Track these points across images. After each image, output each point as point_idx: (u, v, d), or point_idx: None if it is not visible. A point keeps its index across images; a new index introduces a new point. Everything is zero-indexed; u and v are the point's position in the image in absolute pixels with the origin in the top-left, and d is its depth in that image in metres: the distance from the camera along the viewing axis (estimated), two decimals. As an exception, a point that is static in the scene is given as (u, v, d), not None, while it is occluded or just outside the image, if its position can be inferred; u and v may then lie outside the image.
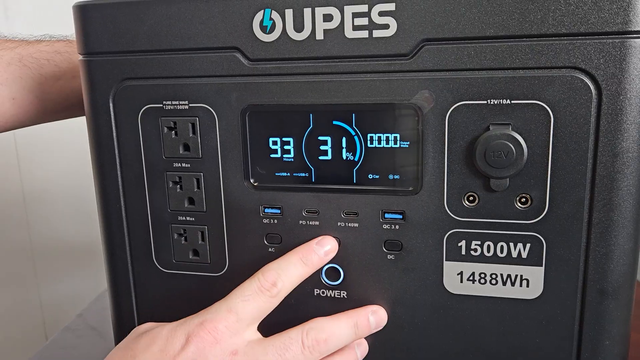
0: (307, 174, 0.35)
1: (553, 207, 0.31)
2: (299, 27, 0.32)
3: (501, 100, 0.30)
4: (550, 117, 0.30)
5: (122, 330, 0.40)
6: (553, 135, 0.30)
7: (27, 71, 0.49)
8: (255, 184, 0.35)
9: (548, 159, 0.30)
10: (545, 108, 0.30)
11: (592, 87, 0.29)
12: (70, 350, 0.46)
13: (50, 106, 0.50)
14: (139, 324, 0.39)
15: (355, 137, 0.34)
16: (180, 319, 0.39)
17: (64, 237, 1.28)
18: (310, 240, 0.35)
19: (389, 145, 0.33)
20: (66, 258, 1.30)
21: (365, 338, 0.36)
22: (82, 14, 0.36)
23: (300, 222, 0.35)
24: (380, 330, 0.35)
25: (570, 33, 0.29)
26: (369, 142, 0.33)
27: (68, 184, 1.24)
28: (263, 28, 0.33)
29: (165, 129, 0.36)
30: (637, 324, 0.47)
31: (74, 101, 0.51)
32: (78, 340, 0.48)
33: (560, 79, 0.29)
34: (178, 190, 0.37)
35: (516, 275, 0.32)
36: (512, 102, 0.30)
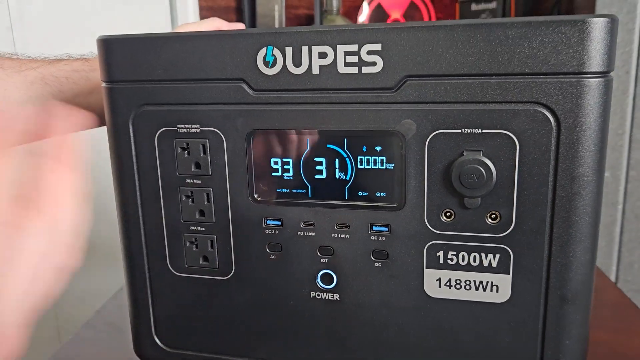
0: (304, 191, 0.39)
1: (519, 222, 0.35)
2: (297, 63, 0.36)
3: (473, 130, 0.35)
4: (516, 145, 0.34)
5: (139, 327, 0.45)
6: (518, 160, 0.34)
7: (48, 89, 0.53)
8: (258, 199, 0.40)
9: (514, 181, 0.35)
10: (511, 137, 0.34)
11: (552, 119, 0.33)
12: (92, 344, 0.51)
13: (70, 120, 0.55)
14: (155, 321, 0.44)
15: (347, 159, 0.38)
16: (190, 316, 0.43)
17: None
18: (307, 250, 0.39)
19: (377, 167, 0.37)
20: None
21: (354, 337, 0.40)
22: (106, 46, 0.40)
23: (298, 232, 0.40)
24: (367, 329, 0.40)
25: (533, 72, 0.33)
26: (359, 163, 0.38)
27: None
28: (266, 63, 0.37)
29: (179, 149, 0.40)
30: (598, 323, 0.51)
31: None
32: (99, 335, 0.52)
33: (525, 112, 0.34)
34: (190, 203, 0.41)
35: (487, 282, 0.37)
36: (483, 131, 0.34)
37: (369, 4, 1.54)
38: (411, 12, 1.55)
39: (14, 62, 0.53)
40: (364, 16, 1.55)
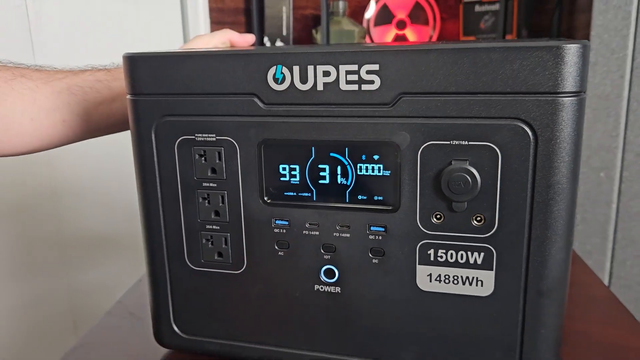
0: (309, 194, 0.44)
1: (501, 225, 0.39)
2: (303, 80, 0.41)
3: (461, 142, 0.39)
4: (498, 156, 0.38)
5: (159, 316, 0.49)
6: (501, 170, 0.38)
7: (74, 98, 0.57)
8: (268, 201, 0.44)
9: (497, 188, 0.39)
10: (495, 149, 0.38)
11: (530, 134, 0.37)
12: (114, 331, 0.56)
13: (93, 126, 0.59)
14: (174, 311, 0.49)
15: (348, 166, 0.42)
16: (206, 307, 0.48)
17: (91, 229, 1.38)
18: (312, 247, 0.44)
19: (375, 173, 0.42)
20: (93, 249, 1.40)
21: (353, 325, 0.44)
22: (131, 62, 0.44)
23: (304, 232, 0.44)
24: (365, 319, 0.44)
25: (514, 92, 0.37)
26: (358, 170, 0.42)
27: (95, 180, 1.34)
28: (275, 80, 0.41)
29: (197, 156, 0.44)
30: (581, 315, 0.55)
31: (113, 121, 0.60)
32: (120, 323, 0.57)
33: (507, 126, 0.38)
34: (206, 204, 0.45)
35: (473, 277, 0.41)
36: (470, 143, 0.39)
37: (376, 3, 1.58)
38: (416, 12, 1.59)
39: (42, 73, 0.57)
40: (370, 13, 1.59)
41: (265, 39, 1.51)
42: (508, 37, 1.40)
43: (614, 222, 1.08)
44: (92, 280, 1.39)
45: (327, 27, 1.38)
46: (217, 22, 1.52)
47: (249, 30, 1.54)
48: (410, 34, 1.59)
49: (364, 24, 1.58)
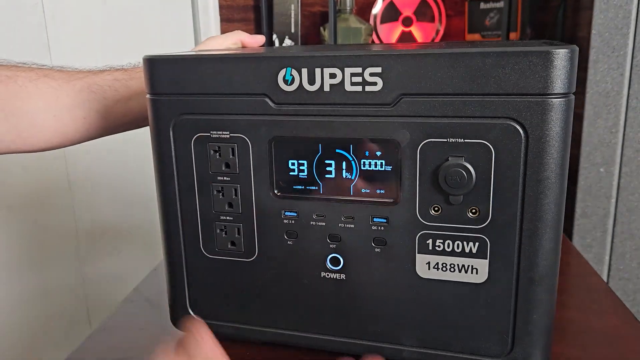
0: (316, 187, 0.47)
1: (495, 216, 0.42)
2: (311, 81, 0.44)
3: (457, 139, 0.42)
4: (492, 153, 0.41)
5: (176, 300, 0.53)
6: (494, 165, 0.41)
7: (94, 96, 0.60)
8: (278, 194, 0.47)
9: (491, 183, 0.42)
10: (488, 146, 0.41)
11: (521, 132, 0.40)
12: (133, 315, 0.59)
13: (112, 123, 0.63)
14: (189, 296, 0.52)
15: (353, 162, 0.45)
16: (220, 292, 0.51)
17: (105, 222, 1.41)
18: (319, 237, 0.47)
19: (377, 169, 0.45)
20: (106, 241, 1.44)
21: (357, 310, 0.48)
22: (151, 64, 0.47)
23: (311, 222, 0.47)
24: (368, 304, 0.47)
25: (507, 93, 0.40)
26: (362, 165, 0.45)
27: (109, 175, 1.37)
28: (285, 81, 0.44)
29: (212, 152, 0.48)
30: (574, 304, 0.58)
31: (130, 119, 0.63)
32: (137, 310, 0.60)
33: (500, 125, 0.41)
34: (220, 197, 0.49)
35: (468, 265, 0.44)
36: (465, 140, 0.41)
37: (382, 0, 1.60)
38: (422, 9, 1.61)
39: (63, 73, 0.60)
40: (376, 9, 1.61)
41: (274, 37, 1.53)
42: (512, 34, 1.42)
43: (613, 216, 1.10)
44: (105, 271, 1.43)
45: (334, 25, 1.41)
46: (227, 19, 1.55)
47: (257, 27, 1.57)
48: (416, 31, 1.61)
49: (371, 21, 1.60)
